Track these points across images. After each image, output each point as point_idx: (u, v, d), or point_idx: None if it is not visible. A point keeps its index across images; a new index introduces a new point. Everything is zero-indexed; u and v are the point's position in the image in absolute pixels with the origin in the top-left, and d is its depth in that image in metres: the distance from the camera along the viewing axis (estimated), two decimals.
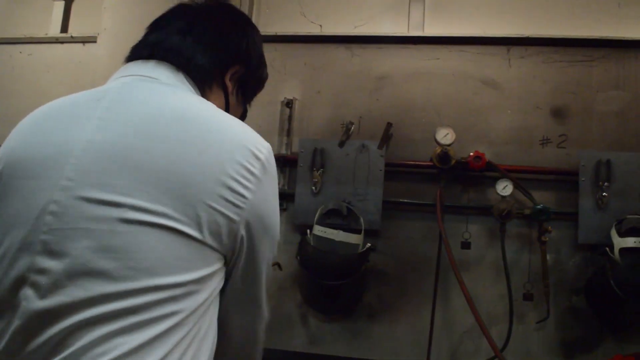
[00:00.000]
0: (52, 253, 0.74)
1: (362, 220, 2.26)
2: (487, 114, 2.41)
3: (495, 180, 2.22)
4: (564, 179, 2.30)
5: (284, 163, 2.48)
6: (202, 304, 0.79)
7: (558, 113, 2.36)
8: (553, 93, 2.37)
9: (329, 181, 2.37)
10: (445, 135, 2.19)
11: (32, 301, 0.73)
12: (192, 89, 0.93)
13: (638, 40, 2.32)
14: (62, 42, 2.86)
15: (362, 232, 2.24)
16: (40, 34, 2.88)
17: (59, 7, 2.90)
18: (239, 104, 1.08)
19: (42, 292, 0.73)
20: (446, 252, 2.19)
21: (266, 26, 2.59)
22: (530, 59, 2.41)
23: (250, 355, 1.01)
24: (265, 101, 2.50)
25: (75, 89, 0.92)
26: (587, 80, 2.36)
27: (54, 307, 0.72)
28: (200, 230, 0.77)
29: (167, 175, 0.76)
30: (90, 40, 2.75)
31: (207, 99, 0.95)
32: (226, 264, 0.86)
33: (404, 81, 2.49)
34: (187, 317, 0.76)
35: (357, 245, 2.22)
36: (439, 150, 2.24)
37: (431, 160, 2.29)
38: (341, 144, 2.40)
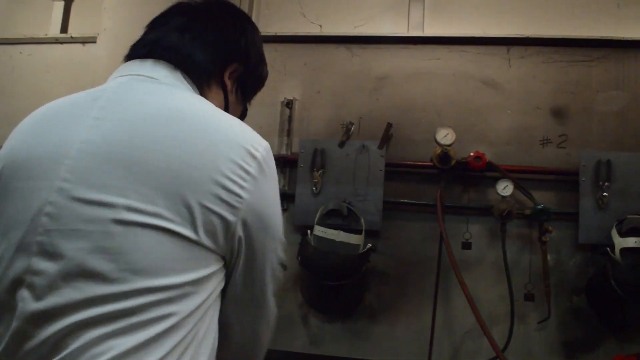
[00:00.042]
0: (47, 254, 0.74)
1: (362, 220, 2.26)
2: (487, 114, 2.41)
3: (495, 180, 2.22)
4: (565, 179, 2.30)
5: (284, 163, 2.48)
6: (199, 306, 0.78)
7: (558, 113, 2.36)
8: (553, 93, 2.37)
9: (329, 181, 2.37)
10: (445, 136, 2.19)
11: (28, 303, 0.73)
12: (190, 87, 0.92)
13: (637, 40, 2.32)
14: (62, 43, 2.86)
15: (363, 232, 2.24)
16: (40, 34, 2.88)
17: (59, 7, 2.90)
18: (238, 102, 1.07)
19: (38, 294, 0.73)
20: (447, 253, 2.18)
21: (266, 26, 2.59)
22: (530, 59, 2.41)
23: (251, 359, 0.99)
24: (265, 102, 2.50)
25: (75, 89, 0.92)
26: (587, 80, 2.36)
27: (49, 309, 0.72)
28: (196, 231, 0.76)
29: (161, 175, 0.76)
30: (90, 40, 2.75)
31: (206, 97, 0.94)
32: (227, 265, 0.85)
33: (404, 81, 2.49)
34: (184, 319, 0.76)
35: (358, 245, 2.22)
36: (439, 150, 2.24)
37: (431, 160, 2.29)
38: (341, 145, 2.39)
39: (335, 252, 2.19)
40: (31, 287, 0.73)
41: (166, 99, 0.84)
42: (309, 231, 2.27)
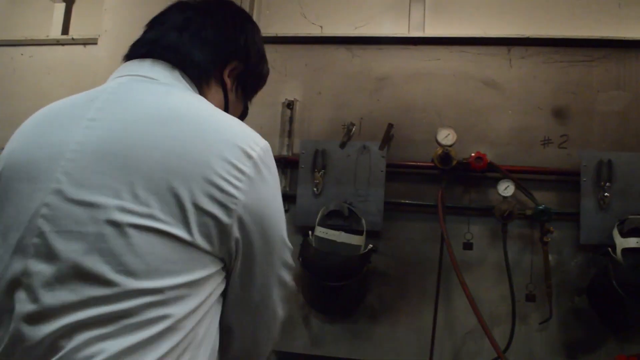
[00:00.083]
0: (43, 256, 0.74)
1: (363, 221, 2.26)
2: (488, 114, 2.41)
3: (496, 180, 2.22)
4: (566, 179, 2.29)
5: (285, 164, 2.48)
6: (196, 309, 0.78)
7: (559, 113, 2.36)
8: (554, 93, 2.37)
9: (330, 182, 2.37)
10: (446, 136, 2.19)
11: (24, 304, 0.73)
12: (188, 86, 0.92)
13: (638, 40, 2.32)
14: (63, 44, 2.86)
15: (364, 233, 2.24)
16: (41, 35, 2.88)
17: (60, 9, 2.91)
18: (239, 100, 1.06)
19: (34, 295, 0.73)
20: (448, 253, 2.18)
21: (267, 27, 2.59)
22: (531, 59, 2.40)
23: None
24: (266, 102, 2.50)
25: (76, 91, 0.92)
26: (587, 81, 2.36)
27: (44, 310, 0.72)
28: (190, 232, 0.75)
29: (155, 176, 0.75)
30: (91, 42, 2.76)
31: (205, 96, 0.94)
32: (226, 268, 0.84)
33: (405, 82, 2.49)
34: (180, 321, 0.75)
35: (359, 246, 2.22)
36: (440, 151, 2.24)
37: (432, 161, 2.29)
38: (342, 145, 2.39)
39: (336, 253, 2.19)
40: (28, 289, 0.74)
41: (163, 99, 0.84)
42: (310, 232, 2.27)
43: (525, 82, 2.40)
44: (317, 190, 2.36)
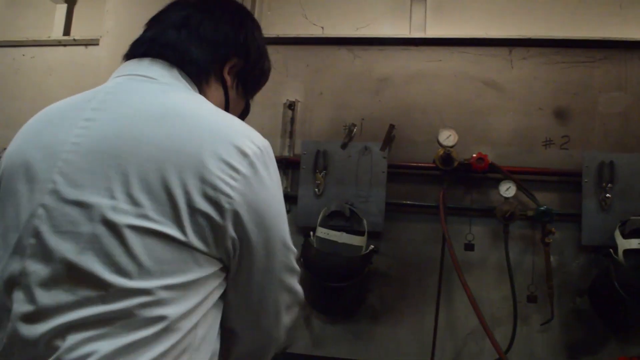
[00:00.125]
0: (39, 257, 0.75)
1: (365, 222, 2.26)
2: (489, 115, 2.41)
3: (498, 181, 2.22)
4: (567, 180, 2.29)
5: (287, 165, 2.48)
6: (193, 310, 0.76)
7: (560, 114, 2.36)
8: (555, 94, 2.37)
9: (331, 183, 2.37)
10: (447, 137, 2.19)
11: (21, 304, 0.74)
12: (187, 85, 0.91)
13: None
14: (64, 45, 2.86)
15: (365, 234, 2.24)
16: (43, 36, 2.89)
17: (62, 10, 2.92)
18: (240, 98, 1.05)
19: (31, 296, 0.73)
20: (449, 254, 2.18)
21: (268, 28, 2.59)
22: (532, 60, 2.40)
23: None
24: (268, 103, 2.50)
25: (77, 92, 0.92)
26: (589, 82, 2.35)
27: (40, 310, 0.72)
28: (183, 232, 0.74)
29: (149, 175, 0.74)
30: (93, 42, 2.76)
31: (205, 93, 0.93)
32: (226, 269, 0.82)
33: (406, 83, 2.49)
34: (175, 322, 0.74)
35: (360, 247, 2.22)
36: (441, 151, 2.24)
37: (434, 161, 2.29)
38: (344, 146, 2.40)
39: (337, 254, 2.19)
40: (25, 289, 0.74)
41: (159, 98, 0.83)
42: (311, 233, 2.27)
43: (526, 82, 2.40)
44: (319, 191, 2.36)
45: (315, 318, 2.43)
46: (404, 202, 2.39)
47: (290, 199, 2.42)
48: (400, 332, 2.36)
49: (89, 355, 0.70)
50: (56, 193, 0.76)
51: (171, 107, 0.81)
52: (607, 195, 2.17)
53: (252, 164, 0.79)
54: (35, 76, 2.87)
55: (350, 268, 2.19)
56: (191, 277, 0.76)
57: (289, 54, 2.58)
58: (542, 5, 2.45)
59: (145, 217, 0.73)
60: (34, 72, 2.88)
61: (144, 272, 0.72)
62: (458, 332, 2.32)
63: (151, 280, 0.72)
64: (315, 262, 2.20)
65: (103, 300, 0.71)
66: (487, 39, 2.43)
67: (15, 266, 0.76)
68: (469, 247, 2.27)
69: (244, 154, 0.78)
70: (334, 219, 2.31)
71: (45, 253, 0.74)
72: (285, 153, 2.50)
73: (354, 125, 2.41)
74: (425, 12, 2.53)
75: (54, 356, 0.70)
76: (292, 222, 2.41)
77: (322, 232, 2.24)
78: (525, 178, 2.28)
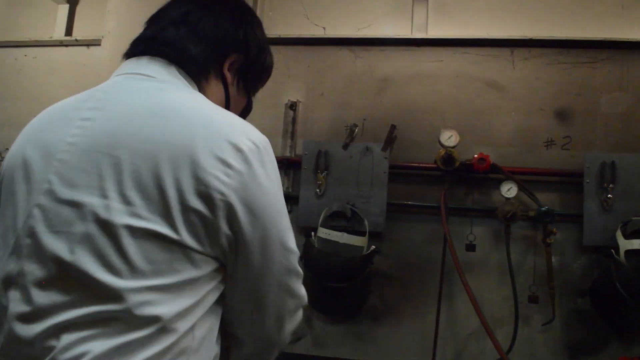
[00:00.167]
0: (35, 257, 0.75)
1: (366, 222, 2.26)
2: (491, 115, 2.41)
3: (499, 182, 2.22)
4: (569, 181, 2.29)
5: (288, 165, 2.48)
6: (189, 310, 0.75)
7: (562, 115, 2.36)
8: (557, 95, 2.37)
9: (332, 183, 2.37)
10: (449, 137, 2.19)
11: (18, 304, 0.74)
12: (186, 82, 0.90)
13: None
14: (66, 45, 2.87)
15: (367, 234, 2.24)
16: (45, 37, 2.90)
17: (64, 10, 2.92)
18: (241, 95, 1.04)
19: (27, 295, 0.74)
20: (451, 254, 2.18)
21: (270, 29, 2.55)
22: (534, 61, 2.40)
23: None
24: (269, 103, 2.50)
25: (79, 92, 0.92)
26: (590, 82, 2.35)
27: (36, 310, 0.73)
28: (176, 230, 0.73)
29: (142, 174, 0.74)
30: (95, 43, 2.76)
31: (205, 91, 0.93)
32: (224, 269, 0.81)
33: (408, 83, 2.49)
34: (170, 323, 0.73)
35: (362, 247, 2.22)
36: (443, 152, 2.24)
37: (435, 162, 2.29)
38: (345, 146, 2.40)
39: (338, 254, 2.20)
40: (21, 289, 0.75)
41: (155, 96, 0.83)
42: (312, 233, 2.27)
43: (528, 83, 2.40)
44: (320, 191, 2.36)
45: (316, 318, 2.43)
46: (406, 202, 2.39)
47: (291, 199, 2.42)
48: (402, 332, 2.36)
49: (82, 355, 0.69)
50: (51, 193, 0.76)
51: (168, 104, 0.81)
52: (609, 195, 2.17)
53: (246, 160, 0.77)
54: (37, 76, 2.88)
55: (351, 268, 2.19)
56: (185, 276, 0.74)
57: (290, 55, 2.58)
58: (544, 5, 2.45)
59: (137, 215, 0.73)
60: (35, 73, 2.89)
61: (136, 271, 0.72)
62: (459, 332, 2.32)
63: (144, 280, 0.72)
64: (317, 263, 2.20)
65: (96, 300, 0.71)
66: (489, 40, 2.43)
67: (12, 266, 0.76)
68: (470, 247, 2.27)
69: (239, 150, 0.76)
70: (335, 220, 2.31)
71: (40, 253, 0.74)
72: (287, 153, 2.50)
73: (356, 125, 2.41)
74: (427, 13, 2.53)
75: (50, 356, 0.70)
76: (293, 223, 2.37)
77: (323, 232, 2.24)
78: (526, 178, 2.28)
